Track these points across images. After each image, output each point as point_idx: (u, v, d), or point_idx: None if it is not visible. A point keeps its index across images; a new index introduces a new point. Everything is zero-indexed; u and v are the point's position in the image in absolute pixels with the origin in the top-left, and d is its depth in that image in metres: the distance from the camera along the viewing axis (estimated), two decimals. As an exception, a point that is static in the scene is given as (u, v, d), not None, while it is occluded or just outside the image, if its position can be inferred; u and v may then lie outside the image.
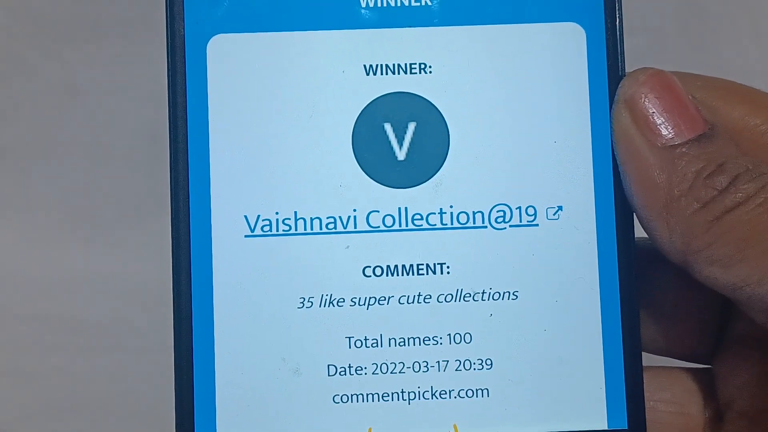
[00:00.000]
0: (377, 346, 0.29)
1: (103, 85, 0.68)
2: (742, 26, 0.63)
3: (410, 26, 0.30)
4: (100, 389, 0.62)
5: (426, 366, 0.29)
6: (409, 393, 0.29)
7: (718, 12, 0.63)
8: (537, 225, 0.30)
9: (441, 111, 0.30)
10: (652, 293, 0.32)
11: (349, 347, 0.29)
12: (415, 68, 0.30)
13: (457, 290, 0.30)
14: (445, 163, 0.30)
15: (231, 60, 0.29)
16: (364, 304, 0.29)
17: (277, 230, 0.29)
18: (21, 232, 0.70)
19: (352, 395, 0.29)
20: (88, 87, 0.68)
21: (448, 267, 0.30)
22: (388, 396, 0.29)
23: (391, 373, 0.29)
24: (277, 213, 0.29)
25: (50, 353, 0.64)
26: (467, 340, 0.29)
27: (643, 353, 0.30)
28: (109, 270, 0.68)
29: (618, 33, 0.30)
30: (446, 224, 0.30)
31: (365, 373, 0.29)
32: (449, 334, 0.29)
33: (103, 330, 0.65)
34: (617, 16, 0.30)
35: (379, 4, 0.30)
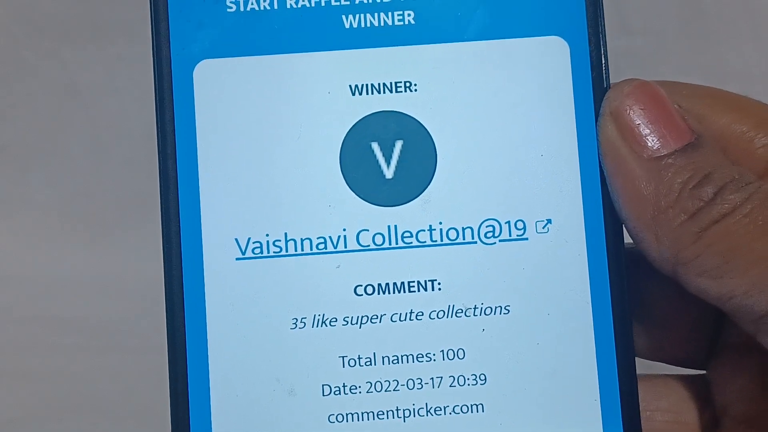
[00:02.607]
0: (371, 364, 0.29)
1: (103, 85, 0.68)
2: (742, 28, 0.63)
3: (394, 45, 0.30)
4: (100, 389, 0.62)
5: (420, 383, 0.30)
6: (404, 410, 0.29)
7: (718, 13, 0.63)
8: (526, 239, 0.30)
9: (427, 128, 0.30)
10: (646, 300, 0.32)
11: (343, 366, 0.29)
12: (401, 87, 0.30)
13: (449, 306, 0.30)
14: (433, 180, 0.30)
15: (218, 84, 0.29)
16: (357, 323, 0.29)
17: (268, 252, 0.29)
18: (21, 232, 0.70)
19: (347, 414, 0.29)
20: (88, 87, 0.68)
21: (439, 283, 0.30)
22: (384, 414, 0.29)
23: (386, 391, 0.29)
24: (267, 235, 0.29)
25: (50, 353, 0.65)
26: (460, 356, 0.30)
27: (638, 359, 0.30)
28: (108, 270, 0.68)
29: (602, 45, 0.30)
30: (436, 241, 0.30)
31: (360, 392, 0.29)
32: (442, 351, 0.30)
33: (103, 330, 0.65)
34: (600, 28, 0.30)
35: (362, 25, 0.30)
